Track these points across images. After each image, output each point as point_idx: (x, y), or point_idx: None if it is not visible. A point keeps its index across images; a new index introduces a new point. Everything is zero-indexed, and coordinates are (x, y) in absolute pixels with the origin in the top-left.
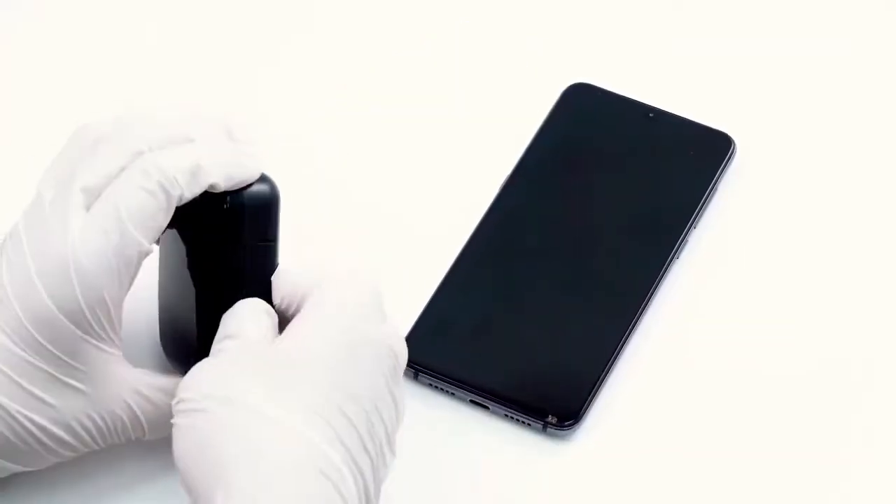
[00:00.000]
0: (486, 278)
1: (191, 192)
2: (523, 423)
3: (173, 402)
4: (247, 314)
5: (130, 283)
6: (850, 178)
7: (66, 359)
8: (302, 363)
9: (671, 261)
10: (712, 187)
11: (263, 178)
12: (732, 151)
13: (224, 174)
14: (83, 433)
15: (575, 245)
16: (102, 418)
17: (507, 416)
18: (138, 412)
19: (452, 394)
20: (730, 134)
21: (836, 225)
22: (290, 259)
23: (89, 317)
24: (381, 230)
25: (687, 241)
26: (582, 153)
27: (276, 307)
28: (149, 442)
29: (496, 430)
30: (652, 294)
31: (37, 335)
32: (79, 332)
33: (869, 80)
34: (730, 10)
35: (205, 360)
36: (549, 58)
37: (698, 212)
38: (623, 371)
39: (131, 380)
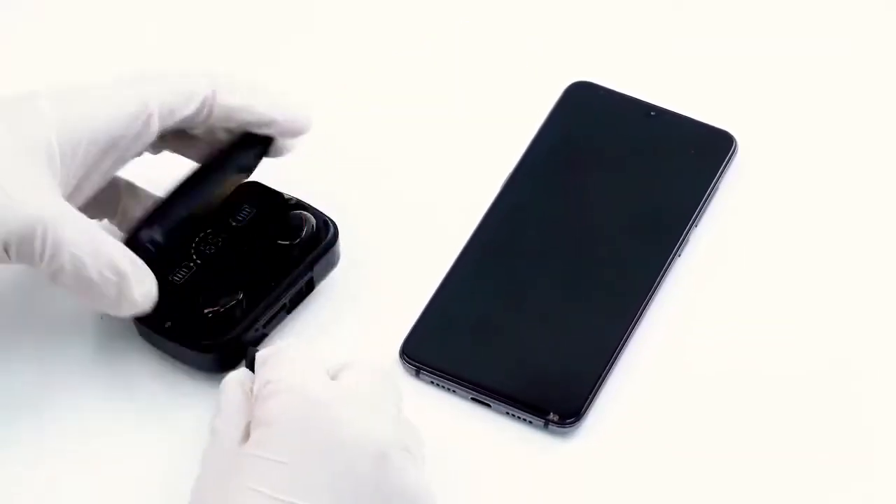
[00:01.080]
0: (488, 277)
1: (222, 103)
2: (525, 420)
3: None
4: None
5: (123, 141)
6: (851, 178)
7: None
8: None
9: (672, 259)
10: (714, 186)
11: None
12: (734, 150)
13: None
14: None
15: (576, 243)
16: (28, 223)
17: (508, 413)
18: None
19: (454, 392)
20: (731, 132)
21: (837, 224)
22: None
23: (70, 139)
24: (382, 229)
25: (688, 239)
26: (583, 152)
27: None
28: None
29: (498, 428)
30: (653, 292)
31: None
32: (54, 143)
33: (869, 80)
34: (730, 9)
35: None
36: (549, 57)
37: (699, 210)
38: (624, 369)
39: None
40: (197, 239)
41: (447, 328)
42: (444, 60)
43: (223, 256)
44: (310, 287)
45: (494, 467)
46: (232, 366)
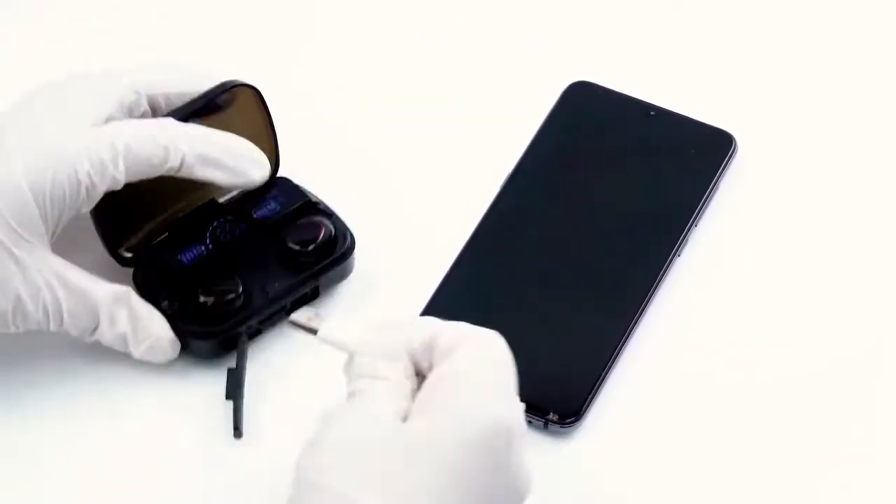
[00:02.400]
0: (488, 277)
1: (187, 173)
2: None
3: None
4: (386, 374)
5: (91, 199)
6: (850, 178)
7: (12, 223)
8: (425, 463)
9: (672, 259)
10: (713, 186)
11: None
12: (733, 150)
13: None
14: (9, 303)
15: (576, 243)
16: (27, 292)
17: None
18: (60, 296)
19: None
20: (731, 132)
21: (836, 224)
22: None
23: (46, 200)
24: (382, 229)
25: (688, 239)
26: (582, 152)
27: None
28: None
29: None
30: (653, 292)
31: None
32: (32, 205)
33: (869, 80)
34: (730, 9)
35: (332, 424)
36: (549, 57)
37: (699, 210)
38: (624, 369)
39: (58, 264)
40: (215, 223)
41: None
42: (444, 60)
43: (236, 247)
44: (315, 294)
45: None
46: (221, 355)
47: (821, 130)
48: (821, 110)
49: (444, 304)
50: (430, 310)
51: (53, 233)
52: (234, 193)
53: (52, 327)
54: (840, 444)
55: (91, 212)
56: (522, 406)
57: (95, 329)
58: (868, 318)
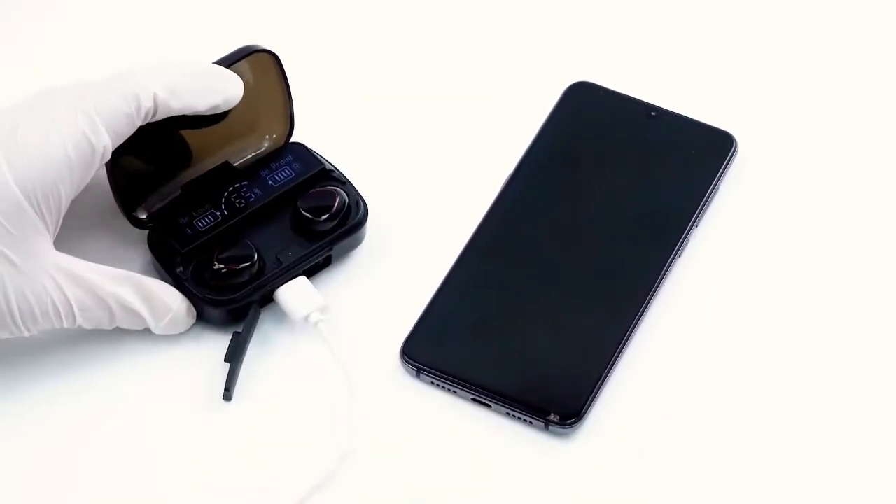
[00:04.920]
0: (488, 277)
1: (164, 109)
2: (525, 421)
3: None
4: None
5: (83, 177)
6: (851, 177)
7: (6, 225)
8: None
9: (673, 259)
10: (714, 186)
11: None
12: (734, 150)
13: (201, 98)
14: (15, 307)
15: (576, 243)
16: (32, 294)
17: (509, 414)
18: (68, 294)
19: (454, 392)
20: (732, 133)
21: (838, 224)
22: None
23: (37, 194)
24: (383, 229)
25: (689, 239)
26: (583, 152)
27: None
28: None
29: (498, 429)
30: (654, 292)
31: None
32: (24, 203)
33: (869, 79)
34: (730, 9)
35: None
36: (549, 57)
37: (700, 210)
38: (625, 369)
39: (60, 260)
40: (231, 188)
41: (448, 329)
42: (444, 61)
43: (250, 214)
44: (327, 262)
45: (495, 468)
46: (233, 322)
47: (822, 131)
48: (822, 110)
49: (445, 305)
50: (429, 312)
51: (56, 224)
52: (247, 157)
53: (66, 325)
54: (842, 444)
55: (108, 174)
56: None
57: (112, 317)
58: (869, 317)
